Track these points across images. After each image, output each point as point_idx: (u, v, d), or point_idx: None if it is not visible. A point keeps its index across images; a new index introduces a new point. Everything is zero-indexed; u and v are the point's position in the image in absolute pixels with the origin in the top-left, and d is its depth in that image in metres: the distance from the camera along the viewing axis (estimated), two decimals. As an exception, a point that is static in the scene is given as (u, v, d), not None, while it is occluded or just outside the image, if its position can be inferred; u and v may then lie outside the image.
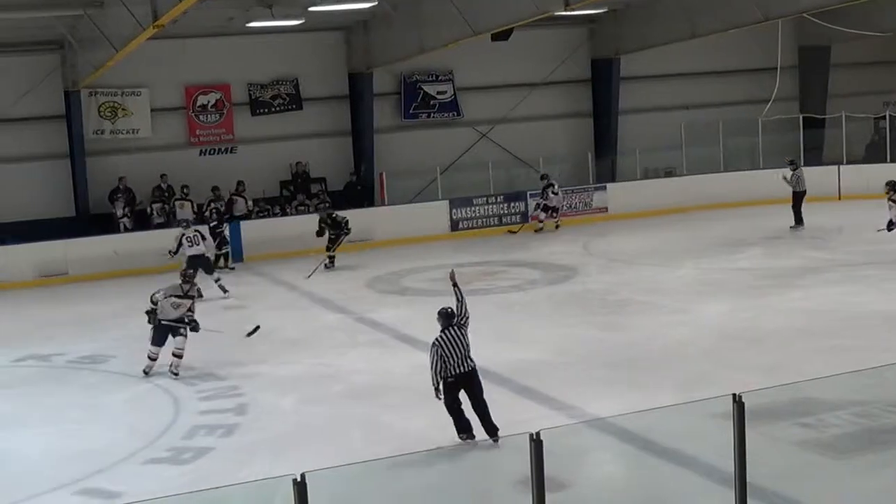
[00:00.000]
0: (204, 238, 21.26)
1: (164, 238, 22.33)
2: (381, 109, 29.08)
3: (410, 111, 29.59)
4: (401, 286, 21.16)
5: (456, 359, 11.29)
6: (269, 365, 15.50)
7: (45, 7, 21.46)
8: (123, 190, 26.13)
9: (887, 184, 20.92)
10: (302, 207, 26.89)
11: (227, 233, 23.92)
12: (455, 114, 29.99)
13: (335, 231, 23.13)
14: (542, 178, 27.51)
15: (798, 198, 25.08)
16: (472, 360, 11.45)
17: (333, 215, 23.33)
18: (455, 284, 11.87)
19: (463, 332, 11.46)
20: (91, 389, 15.02)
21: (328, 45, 28.57)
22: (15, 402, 14.63)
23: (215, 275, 21.08)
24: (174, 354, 15.01)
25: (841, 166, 29.35)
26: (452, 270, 12.25)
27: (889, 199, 20.66)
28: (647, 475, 10.47)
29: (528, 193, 27.69)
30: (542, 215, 27.20)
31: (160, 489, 10.25)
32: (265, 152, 27.99)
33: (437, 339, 11.37)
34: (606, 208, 28.71)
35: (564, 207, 27.83)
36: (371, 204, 28.24)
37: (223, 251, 23.71)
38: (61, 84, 25.92)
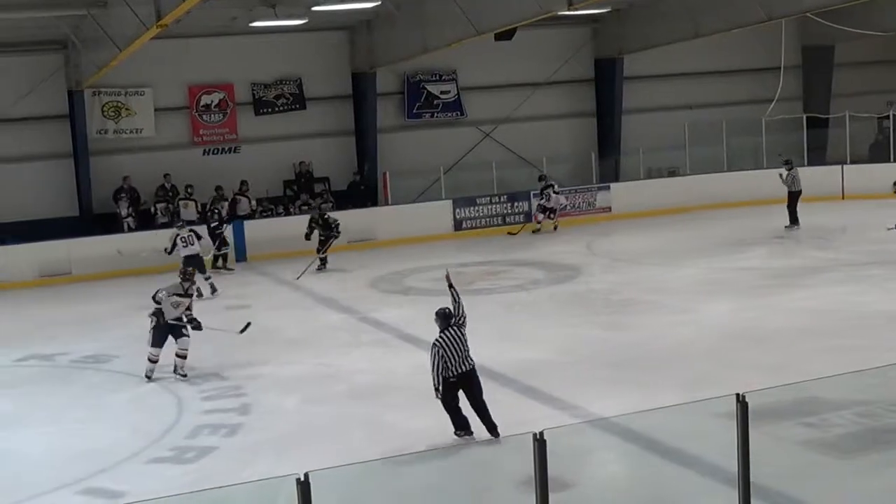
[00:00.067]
0: (199, 237, 21.33)
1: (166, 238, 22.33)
2: (384, 109, 29.08)
3: (414, 111, 29.60)
4: (404, 286, 21.16)
5: (457, 359, 11.35)
6: (272, 365, 15.50)
7: (49, 7, 21.46)
8: (127, 190, 26.15)
9: (895, 183, 20.91)
10: (305, 207, 26.86)
11: (227, 234, 23.88)
12: (458, 113, 29.99)
13: (325, 232, 23.02)
14: (541, 178, 27.38)
15: (793, 197, 25.05)
16: (471, 360, 11.52)
17: (325, 216, 23.22)
18: (451, 286, 11.94)
19: (462, 331, 11.53)
20: (94, 389, 15.03)
21: (332, 45, 28.58)
22: (17, 401, 14.65)
23: (207, 273, 21.16)
24: (178, 355, 14.87)
25: (844, 166, 29.33)
26: (447, 271, 12.30)
27: None
28: (650, 475, 10.46)
29: (532, 193, 27.66)
30: (540, 216, 27.14)
31: (163, 489, 10.27)
32: (269, 152, 28.01)
33: (437, 340, 11.42)
34: (610, 208, 28.69)
35: (568, 207, 27.79)
36: (374, 203, 28.25)
37: (222, 252, 23.69)
38: (65, 84, 25.97)
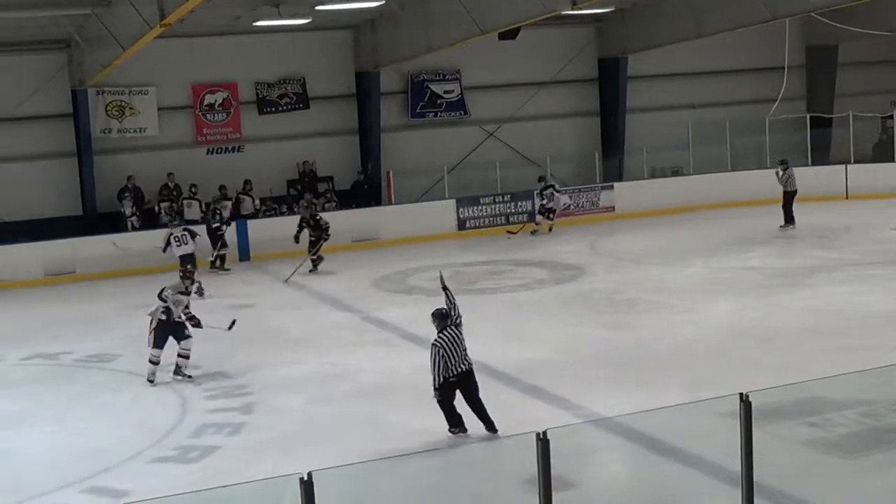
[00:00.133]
0: (193, 236, 21.40)
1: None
2: (388, 108, 29.10)
3: (417, 110, 29.62)
4: (408, 285, 21.15)
5: (456, 359, 11.47)
6: (275, 364, 15.49)
7: (53, 6, 21.50)
8: (132, 189, 26.19)
9: None
10: (308, 206, 26.84)
11: (227, 235, 23.85)
12: (462, 113, 30.00)
13: (315, 233, 22.92)
14: (540, 179, 27.17)
15: (788, 197, 25.06)
16: (469, 359, 11.63)
17: (317, 217, 23.12)
18: (445, 287, 12.04)
19: (460, 331, 11.64)
20: (98, 388, 15.02)
21: (335, 44, 28.60)
22: (22, 400, 14.64)
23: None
24: (181, 356, 14.73)
25: (848, 165, 29.30)
26: (440, 273, 12.36)
27: None
28: (653, 475, 10.46)
29: (535, 192, 27.67)
30: (539, 217, 27.04)
31: (167, 488, 10.27)
32: (272, 151, 28.04)
33: (437, 341, 11.51)
34: (613, 207, 28.67)
35: (571, 206, 27.78)
36: (378, 203, 28.26)
37: (222, 252, 23.68)
38: (68, 83, 26.01)
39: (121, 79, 25.77)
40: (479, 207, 27.61)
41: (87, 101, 26.13)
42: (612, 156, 30.84)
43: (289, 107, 28.32)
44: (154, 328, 14.68)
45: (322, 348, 16.41)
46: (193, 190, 26.17)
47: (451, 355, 11.40)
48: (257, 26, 25.13)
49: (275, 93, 28.18)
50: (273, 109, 28.20)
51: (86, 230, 25.04)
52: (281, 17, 23.36)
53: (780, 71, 30.35)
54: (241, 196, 26.29)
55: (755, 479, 7.99)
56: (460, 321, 11.74)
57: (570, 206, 27.65)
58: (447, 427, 11.62)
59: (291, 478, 6.74)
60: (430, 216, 27.17)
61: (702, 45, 29.17)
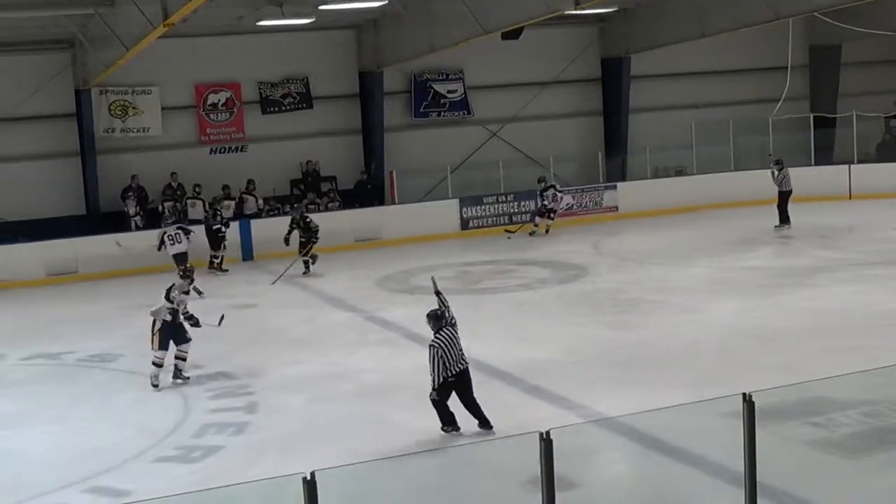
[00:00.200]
0: (187, 233, 21.53)
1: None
2: (391, 108, 29.09)
3: (421, 110, 29.60)
4: (410, 285, 21.13)
5: (454, 359, 11.60)
6: (278, 363, 15.50)
7: (56, 6, 21.51)
8: (135, 188, 26.18)
9: None
10: (312, 206, 26.86)
11: (227, 235, 23.80)
12: (465, 112, 29.98)
13: (305, 235, 22.82)
14: (540, 180, 26.89)
15: (783, 197, 25.06)
16: (465, 359, 11.78)
17: (308, 219, 22.96)
18: (437, 292, 12.25)
19: (456, 332, 11.78)
20: (100, 388, 15.03)
21: (338, 44, 28.59)
22: (24, 400, 14.65)
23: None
24: (179, 357, 14.63)
25: (852, 165, 29.25)
26: (433, 278, 12.46)
27: None
28: (656, 474, 10.46)
29: (538, 192, 27.64)
30: (537, 218, 26.92)
31: (169, 487, 10.27)
32: (275, 151, 28.03)
33: (434, 341, 11.63)
34: (617, 207, 28.64)
35: (574, 206, 27.76)
36: (381, 203, 28.24)
37: (221, 252, 23.65)
38: (72, 82, 25.99)
39: (124, 78, 25.77)
40: (483, 207, 27.59)
41: (91, 101, 26.11)
42: (616, 156, 30.80)
43: (292, 106, 28.31)
44: (158, 329, 14.52)
45: (324, 348, 16.40)
46: (197, 189, 26.17)
47: (448, 355, 11.53)
48: (260, 26, 25.13)
49: (278, 92, 28.17)
50: (276, 109, 28.19)
51: (89, 230, 25.02)
52: (284, 16, 23.37)
53: (784, 71, 30.32)
54: (245, 196, 26.29)
55: (758, 479, 7.99)
56: (455, 322, 11.88)
57: (573, 205, 27.62)
58: (440, 426, 11.70)
59: (294, 477, 6.73)
60: (433, 216, 27.15)
61: (705, 45, 29.13)
